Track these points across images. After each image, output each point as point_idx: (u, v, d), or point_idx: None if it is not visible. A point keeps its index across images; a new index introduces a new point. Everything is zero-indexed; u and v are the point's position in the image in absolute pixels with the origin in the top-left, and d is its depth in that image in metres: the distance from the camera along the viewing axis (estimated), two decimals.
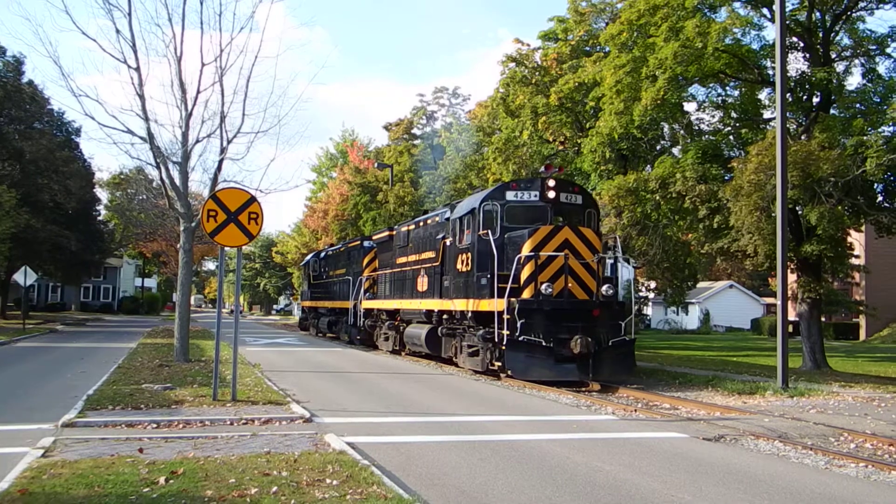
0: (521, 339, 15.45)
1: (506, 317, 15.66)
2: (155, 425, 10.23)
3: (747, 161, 19.31)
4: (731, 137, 24.44)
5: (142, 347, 24.59)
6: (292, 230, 75.43)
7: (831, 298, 24.47)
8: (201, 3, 18.80)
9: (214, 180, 19.55)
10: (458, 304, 18.53)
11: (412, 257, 23.24)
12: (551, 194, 17.70)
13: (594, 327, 15.87)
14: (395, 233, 26.00)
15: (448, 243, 19.79)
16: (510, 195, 17.79)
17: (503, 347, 15.77)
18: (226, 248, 13.95)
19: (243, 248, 13.98)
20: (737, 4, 22.90)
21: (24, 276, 35.54)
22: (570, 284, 16.04)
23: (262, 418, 10.90)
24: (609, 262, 18.06)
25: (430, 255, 21.18)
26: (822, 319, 25.27)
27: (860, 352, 33.25)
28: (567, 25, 31.33)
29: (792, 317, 26.17)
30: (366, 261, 28.90)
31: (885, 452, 9.75)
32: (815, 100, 22.68)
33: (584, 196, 18.82)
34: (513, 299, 15.78)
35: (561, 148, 30.40)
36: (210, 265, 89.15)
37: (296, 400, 12.91)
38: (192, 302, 53.00)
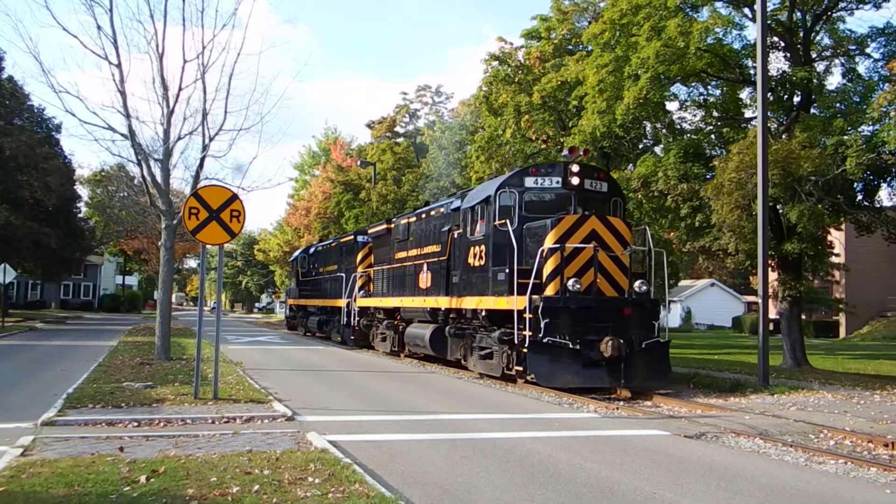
0: (545, 340, 14.04)
1: (528, 316, 14.31)
2: (136, 424, 10.16)
3: (728, 160, 19.41)
4: (712, 136, 24.55)
5: (123, 346, 24.41)
6: (274, 228, 75.16)
7: (812, 296, 24.68)
8: (183, 1, 18.67)
9: (196, 177, 19.44)
10: (469, 302, 17.16)
11: (413, 252, 21.96)
12: (575, 181, 16.20)
13: (625, 328, 14.53)
14: (393, 226, 24.67)
15: (456, 236, 18.49)
16: (529, 182, 16.35)
17: (524, 350, 14.39)
18: (207, 246, 13.88)
19: (225, 245, 13.89)
20: (718, 4, 23.04)
21: (3, 274, 35.26)
22: (598, 280, 14.59)
23: (244, 417, 10.86)
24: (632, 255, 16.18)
25: (434, 248, 20.04)
26: (803, 317, 25.48)
27: (840, 349, 33.56)
28: (550, 24, 31.37)
29: (773, 315, 26.42)
30: (360, 256, 27.66)
31: (864, 449, 9.84)
32: (796, 99, 22.85)
33: (610, 183, 17.31)
34: (535, 296, 14.40)
35: (544, 146, 30.43)
36: (192, 263, 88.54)
37: (278, 398, 12.87)
38: (174, 300, 52.68)
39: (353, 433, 10.00)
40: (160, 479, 6.93)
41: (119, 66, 18.38)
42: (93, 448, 8.36)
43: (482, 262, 16.62)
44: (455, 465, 8.33)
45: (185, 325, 39.83)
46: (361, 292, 26.87)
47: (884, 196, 22.92)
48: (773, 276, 21.85)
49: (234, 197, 12.95)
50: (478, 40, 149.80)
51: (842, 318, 44.80)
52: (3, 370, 18.24)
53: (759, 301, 16.70)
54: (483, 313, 16.51)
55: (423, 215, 21.56)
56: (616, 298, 14.79)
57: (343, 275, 28.94)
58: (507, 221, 15.57)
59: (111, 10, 18.24)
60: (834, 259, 27.03)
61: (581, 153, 17.46)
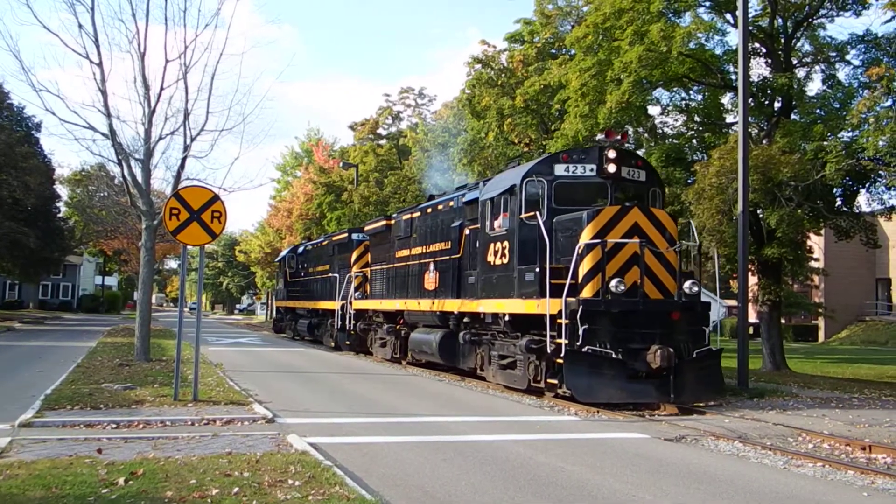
0: (584, 349, 12.34)
1: (563, 321, 12.54)
2: (114, 425, 10.09)
3: (709, 164, 19.53)
4: (693, 141, 24.71)
5: (102, 346, 24.23)
6: (256, 229, 74.86)
7: (791, 301, 24.83)
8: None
9: (177, 178, 19.35)
10: (489, 305, 15.35)
11: (417, 250, 20.23)
12: (612, 168, 14.35)
13: (674, 334, 12.82)
14: (393, 222, 22.85)
15: (469, 231, 16.92)
16: (560, 169, 14.43)
17: (558, 360, 12.73)
18: (188, 247, 13.81)
19: (206, 246, 13.83)
20: (701, 10, 23.18)
21: None
22: (640, 280, 12.87)
23: (224, 418, 10.80)
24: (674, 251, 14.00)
25: (443, 246, 18.39)
26: (782, 321, 25.67)
27: (819, 353, 33.86)
28: (533, 28, 31.51)
29: (752, 318, 26.59)
30: (355, 255, 26.00)
31: (842, 452, 9.93)
32: (777, 105, 23.05)
33: (649, 171, 15.51)
34: (571, 299, 12.61)
35: (526, 150, 30.54)
36: (172, 264, 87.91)
37: (258, 400, 12.81)
38: (154, 301, 52.27)
39: (333, 435, 9.97)
40: (139, 481, 6.88)
41: (100, 65, 18.30)
42: (71, 450, 8.30)
43: (505, 261, 14.87)
44: (435, 467, 8.33)
45: (165, 326, 39.58)
46: (357, 293, 25.28)
47: (862, 201, 23.16)
48: (752, 280, 22.01)
49: (216, 198, 12.91)
50: (462, 42, 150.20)
51: (821, 322, 45.20)
52: None
53: (739, 305, 16.75)
54: (506, 318, 14.66)
55: (429, 210, 19.94)
56: (664, 301, 13.13)
57: (336, 275, 27.39)
58: (537, 214, 13.79)
59: (93, 9, 18.17)
60: (813, 264, 27.33)
61: (619, 136, 15.35)
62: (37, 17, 24.59)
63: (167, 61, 18.83)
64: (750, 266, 20.40)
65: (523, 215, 14.26)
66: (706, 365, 13.26)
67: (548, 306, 12.79)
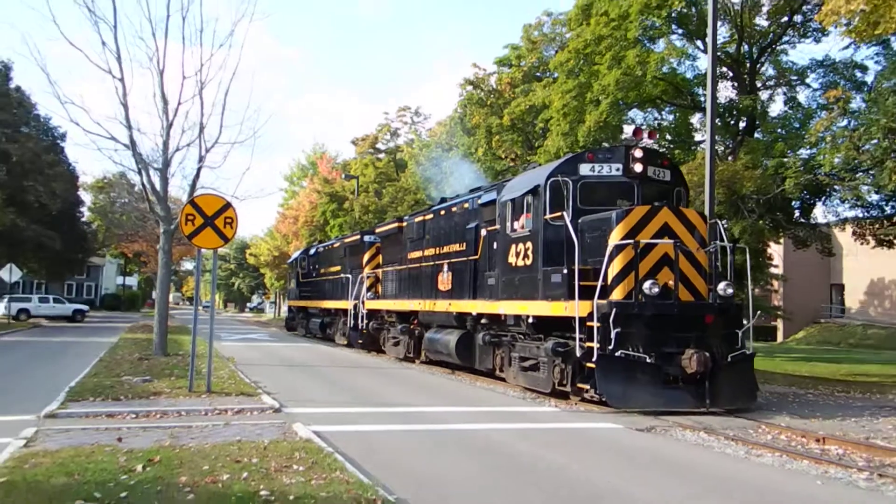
0: (617, 353, 11.15)
1: (595, 324, 11.36)
2: (133, 416, 10.06)
3: None
4: None
5: (122, 342, 24.16)
6: (265, 234, 74.77)
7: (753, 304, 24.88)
8: (183, 20, 18.56)
9: (193, 186, 19.30)
10: (511, 307, 14.06)
11: (430, 251, 19.12)
12: (638, 167, 13.17)
13: (708, 338, 11.56)
14: (405, 224, 21.70)
15: (487, 233, 15.75)
16: (585, 169, 13.18)
17: (589, 364, 11.50)
18: (202, 250, 13.79)
19: (219, 249, 13.80)
20: (674, 37, 23.34)
21: (10, 273, 34.82)
22: (674, 282, 11.67)
23: (235, 409, 10.79)
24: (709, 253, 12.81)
25: (458, 247, 17.34)
26: (744, 323, 25.71)
27: (778, 352, 33.92)
28: (520, 53, 31.64)
29: None
30: (367, 257, 24.83)
31: (798, 443, 9.96)
32: (742, 124, 23.20)
33: (673, 171, 14.12)
34: (602, 301, 11.44)
35: (512, 164, 30.61)
36: (188, 265, 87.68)
37: (266, 392, 12.80)
38: (171, 299, 52.19)
39: (335, 424, 9.95)
40: (155, 467, 6.88)
41: (122, 80, 18.24)
42: (92, 439, 8.28)
43: (528, 262, 13.59)
44: (428, 454, 8.34)
45: (181, 323, 39.48)
46: (369, 294, 24.16)
47: (818, 213, 23.33)
48: None
49: (228, 205, 12.89)
50: (456, 65, 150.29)
51: (779, 323, 45.32)
52: (8, 365, 17.99)
53: None
54: (529, 320, 13.40)
55: (442, 212, 18.77)
56: (698, 304, 11.93)
57: (349, 276, 26.22)
58: (564, 214, 12.45)
59: (115, 28, 18.10)
60: (773, 270, 27.40)
61: (646, 136, 14.02)
62: (63, 34, 24.63)
63: (184, 78, 18.83)
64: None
65: (548, 216, 13.01)
66: (741, 369, 12.00)
67: (577, 308, 11.51)
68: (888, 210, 19.68)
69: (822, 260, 34.61)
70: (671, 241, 11.69)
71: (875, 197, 18.74)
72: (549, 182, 13.09)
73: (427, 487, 6.85)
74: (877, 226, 21.24)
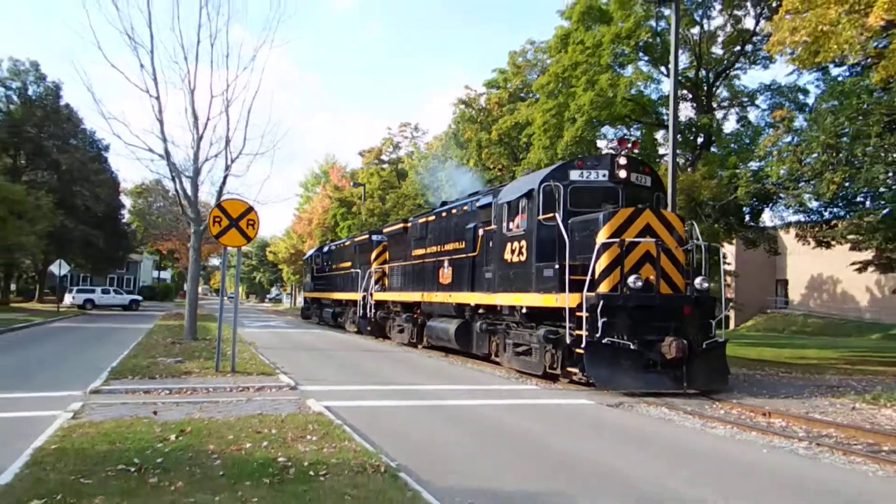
0: (604, 341, 11.01)
1: (584, 314, 11.22)
2: (167, 392, 10.08)
3: None
4: None
5: (157, 328, 24.11)
6: (283, 234, 74.67)
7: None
8: (212, 46, 18.49)
9: (220, 192, 19.24)
10: (506, 298, 13.85)
11: (432, 248, 18.87)
12: (623, 174, 13.03)
13: (685, 327, 11.40)
14: (409, 225, 21.38)
15: (484, 232, 15.47)
16: (574, 174, 13.03)
17: (578, 351, 11.41)
18: (228, 248, 13.77)
19: (242, 247, 13.79)
20: (641, 63, 23.38)
21: (59, 268, 34.70)
22: (655, 277, 11.59)
23: (256, 386, 10.79)
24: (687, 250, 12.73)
25: (457, 245, 17.06)
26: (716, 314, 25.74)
27: (730, 339, 33.98)
28: (507, 76, 31.71)
29: None
30: (374, 254, 24.48)
31: (747, 417, 10.00)
32: (700, 140, 23.27)
33: (653, 177, 13.96)
34: (590, 294, 11.31)
35: (499, 174, 30.65)
36: (215, 261, 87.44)
37: (284, 372, 12.79)
38: (200, 291, 52.00)
39: (344, 400, 9.95)
40: (187, 437, 6.89)
41: (158, 98, 18.15)
42: (131, 412, 8.29)
43: (522, 258, 13.41)
44: (425, 425, 8.36)
45: (208, 311, 39.34)
46: (377, 287, 23.92)
47: (766, 218, 23.40)
48: None
49: (251, 208, 12.86)
50: (450, 81, 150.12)
51: (732, 313, 45.45)
52: (58, 348, 17.95)
53: None
54: (523, 310, 13.30)
55: (443, 214, 18.50)
56: (677, 296, 11.73)
57: (358, 271, 26.00)
58: (556, 215, 12.37)
59: (152, 52, 18.01)
60: (727, 267, 27.41)
61: (630, 145, 13.91)
62: (107, 58, 24.57)
63: (212, 97, 18.74)
64: None
65: (541, 217, 12.82)
66: (715, 355, 11.81)
67: (567, 300, 11.39)
68: (826, 215, 19.73)
69: (768, 258, 34.81)
70: (653, 239, 11.60)
71: (815, 204, 18.79)
72: (542, 186, 12.94)
73: (423, 453, 6.87)
74: (816, 229, 21.30)
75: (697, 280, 11.94)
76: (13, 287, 49.88)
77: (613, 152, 13.31)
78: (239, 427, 7.43)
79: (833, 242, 20.86)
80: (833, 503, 5.79)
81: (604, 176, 13.06)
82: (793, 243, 26.65)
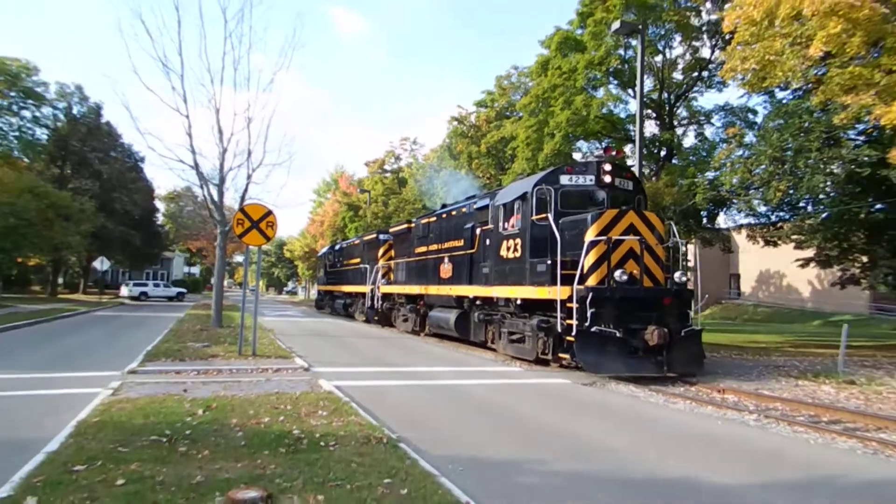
0: (593, 329, 10.76)
1: (574, 305, 10.99)
2: (196, 372, 10.02)
3: None
4: None
5: (187, 317, 24.00)
6: (298, 234, 74.52)
7: None
8: (235, 71, 18.62)
9: (242, 197, 19.19)
10: (502, 291, 13.58)
11: (434, 246, 18.52)
12: (607, 178, 12.89)
13: (665, 317, 11.23)
14: (413, 225, 21.13)
15: (482, 231, 15.15)
16: (564, 179, 12.86)
17: (568, 338, 11.20)
18: (250, 246, 13.73)
19: (262, 246, 13.74)
20: (611, 86, 23.39)
21: (101, 264, 34.53)
22: (638, 271, 11.40)
23: (274, 368, 10.75)
24: (670, 248, 12.48)
25: (457, 243, 16.70)
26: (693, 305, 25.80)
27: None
28: (494, 97, 31.72)
29: None
30: (381, 251, 24.08)
31: (704, 393, 10.04)
32: (663, 153, 23.28)
33: (635, 182, 13.69)
34: (580, 286, 11.07)
35: (487, 182, 30.63)
36: (238, 258, 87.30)
37: (298, 355, 12.73)
38: (225, 284, 51.95)
39: (352, 380, 9.92)
40: (213, 412, 6.86)
41: (187, 116, 18.15)
42: (164, 390, 8.25)
43: (517, 255, 13.12)
44: (423, 402, 8.35)
45: (232, 302, 39.19)
46: (383, 280, 23.58)
47: (721, 220, 23.47)
48: None
49: (270, 212, 12.81)
50: (445, 98, 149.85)
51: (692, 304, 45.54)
52: (99, 334, 17.85)
53: None
54: (517, 302, 12.98)
55: (444, 215, 18.17)
56: (658, 289, 11.56)
57: (367, 266, 25.50)
58: (548, 215, 12.18)
59: (182, 76, 18.05)
60: (688, 264, 27.46)
61: (614, 153, 13.89)
62: (142, 81, 25.02)
63: (235, 115, 18.81)
64: None
65: (534, 217, 12.62)
66: (692, 342, 11.58)
67: (559, 292, 11.24)
68: (773, 218, 19.81)
69: (723, 255, 34.91)
70: (636, 237, 11.44)
71: (763, 209, 18.82)
72: (535, 190, 12.75)
73: (420, 427, 6.85)
74: (765, 230, 21.41)
75: (677, 274, 11.79)
76: (60, 280, 49.63)
77: (599, 159, 13.19)
78: (259, 403, 7.40)
79: (779, 242, 20.96)
80: (779, 466, 5.81)
81: (591, 180, 12.90)
82: (744, 242, 26.73)
